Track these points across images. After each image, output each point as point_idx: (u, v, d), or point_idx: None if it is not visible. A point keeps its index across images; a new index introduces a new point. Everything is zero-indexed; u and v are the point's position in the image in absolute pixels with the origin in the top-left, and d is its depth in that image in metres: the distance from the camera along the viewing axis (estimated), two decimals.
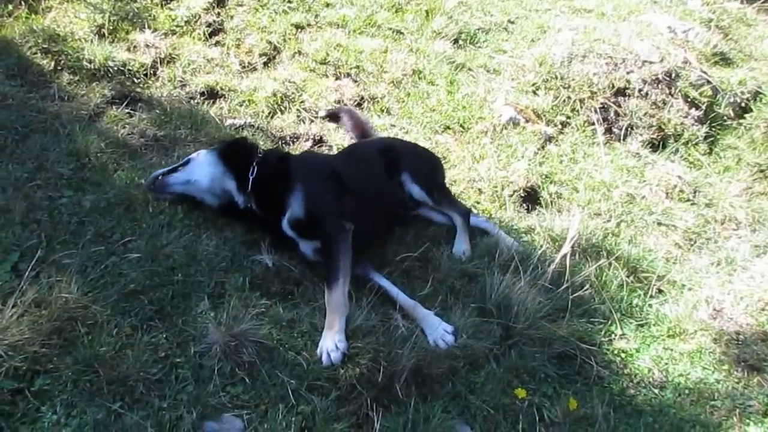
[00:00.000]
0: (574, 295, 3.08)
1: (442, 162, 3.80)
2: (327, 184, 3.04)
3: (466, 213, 3.49)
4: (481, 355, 2.75)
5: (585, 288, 3.14)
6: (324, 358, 2.52)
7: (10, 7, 3.74)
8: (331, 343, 2.53)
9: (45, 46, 3.61)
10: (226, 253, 2.86)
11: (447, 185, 3.67)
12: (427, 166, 3.58)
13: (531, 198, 3.94)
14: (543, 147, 4.36)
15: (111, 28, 3.90)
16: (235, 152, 3.10)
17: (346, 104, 4.10)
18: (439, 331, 2.75)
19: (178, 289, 2.62)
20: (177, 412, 2.21)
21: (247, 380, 2.36)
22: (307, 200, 2.88)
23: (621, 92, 4.76)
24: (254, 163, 3.00)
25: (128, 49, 3.87)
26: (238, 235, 2.98)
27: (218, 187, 3.04)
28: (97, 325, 2.37)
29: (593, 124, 4.64)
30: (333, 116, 4.05)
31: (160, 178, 3.05)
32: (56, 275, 2.45)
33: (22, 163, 2.98)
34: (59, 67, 3.56)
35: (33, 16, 3.78)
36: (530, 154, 4.24)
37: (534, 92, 4.78)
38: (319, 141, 3.80)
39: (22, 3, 3.80)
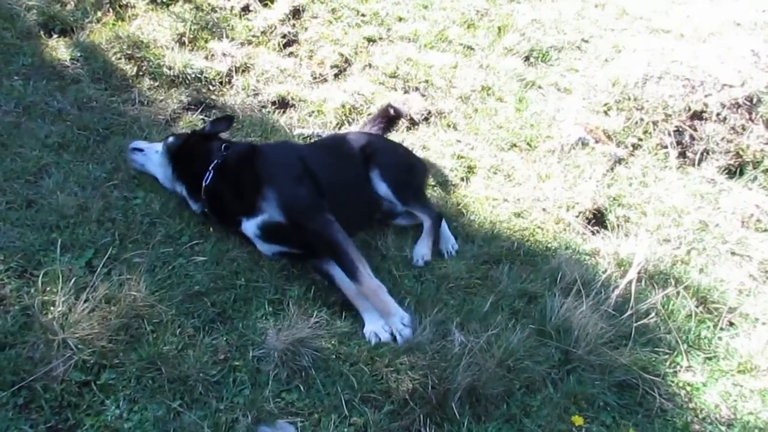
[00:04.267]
0: (639, 323, 2.96)
1: (424, 166, 3.71)
2: (300, 182, 2.91)
3: (436, 217, 3.38)
4: (538, 379, 2.68)
5: (650, 316, 3.01)
6: (399, 338, 2.67)
7: (99, 13, 3.95)
8: (397, 323, 2.67)
9: (129, 52, 3.79)
10: (286, 261, 2.91)
11: (424, 190, 3.59)
12: (401, 165, 3.45)
13: (597, 220, 3.84)
14: (612, 169, 4.25)
15: (191, 36, 4.06)
16: (188, 154, 2.98)
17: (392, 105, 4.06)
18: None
19: (240, 293, 2.69)
20: (233, 415, 2.25)
21: (302, 388, 2.39)
22: (283, 205, 2.78)
23: (697, 116, 4.58)
24: (211, 168, 2.88)
25: (206, 58, 4.01)
26: None
27: (171, 187, 3.07)
28: (162, 324, 2.45)
29: (666, 147, 4.48)
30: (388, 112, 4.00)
31: (133, 150, 3.15)
32: (127, 273, 2.54)
33: (102, 164, 3.13)
34: (141, 73, 3.73)
35: (119, 23, 3.98)
36: (598, 175, 4.13)
37: (605, 113, 4.67)
38: None
39: (110, 10, 4.01)
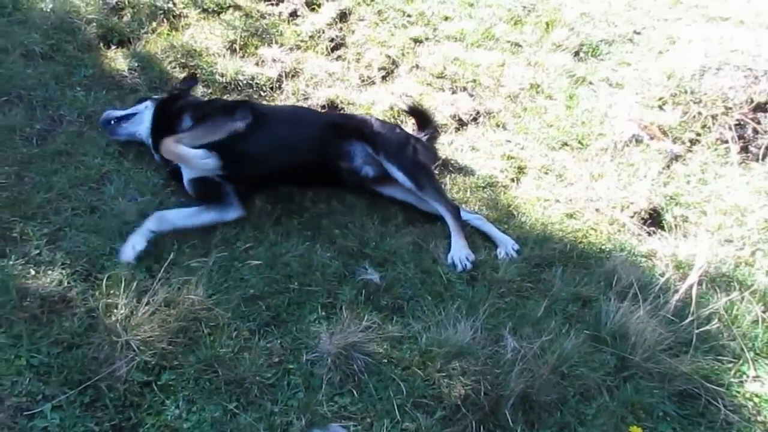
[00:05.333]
0: (700, 329, 2.87)
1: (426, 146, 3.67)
2: (216, 111, 3.16)
3: (455, 209, 3.33)
4: (593, 386, 2.64)
5: (713, 322, 2.92)
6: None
7: (154, 24, 4.07)
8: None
9: (183, 60, 3.89)
10: (338, 265, 2.94)
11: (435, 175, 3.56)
12: (406, 147, 3.42)
13: (653, 220, 3.74)
14: (668, 166, 4.13)
15: (242, 43, 4.13)
16: (168, 109, 3.25)
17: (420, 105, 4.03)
18: None
19: (293, 297, 2.73)
20: (287, 418, 2.29)
21: (354, 392, 2.41)
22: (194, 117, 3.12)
23: (761, 107, 4.39)
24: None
25: (256, 64, 4.08)
26: (350, 246, 3.06)
27: (147, 142, 3.28)
28: (218, 326, 2.51)
29: (727, 142, 4.32)
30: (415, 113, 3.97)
31: (113, 122, 3.26)
32: (185, 277, 2.62)
33: (159, 170, 3.23)
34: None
35: (173, 32, 4.09)
36: (654, 173, 4.02)
37: (660, 107, 4.53)
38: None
39: (164, 21, 4.12)
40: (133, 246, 2.68)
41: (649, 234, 3.66)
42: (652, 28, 5.34)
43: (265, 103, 3.85)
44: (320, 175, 3.32)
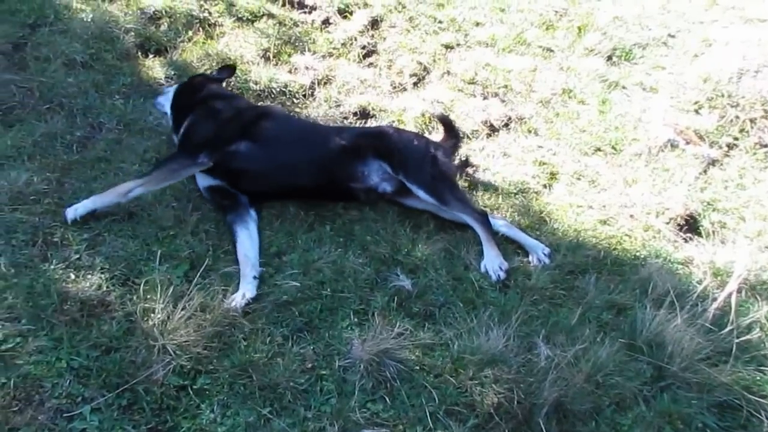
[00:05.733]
0: (741, 338, 2.80)
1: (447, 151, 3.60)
2: (217, 119, 3.23)
3: (483, 216, 3.27)
4: (629, 396, 2.60)
5: (754, 331, 2.85)
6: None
7: (190, 33, 4.14)
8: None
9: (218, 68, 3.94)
10: (370, 271, 2.95)
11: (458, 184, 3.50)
12: (425, 160, 3.35)
13: (690, 227, 3.67)
14: (705, 171, 4.06)
15: (275, 51, 4.18)
16: (185, 97, 3.43)
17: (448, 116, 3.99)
18: None
19: (326, 303, 2.74)
20: (320, 424, 2.30)
21: (387, 399, 2.41)
22: (183, 132, 3.23)
23: None
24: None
25: (289, 71, 4.12)
26: (382, 252, 3.06)
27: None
28: (252, 332, 2.54)
29: (766, 145, 4.24)
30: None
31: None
32: (220, 283, 2.66)
33: (195, 177, 3.28)
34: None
35: (208, 41, 4.16)
36: (690, 178, 3.96)
37: (696, 111, 4.46)
38: (465, 163, 3.80)
39: (200, 29, 4.19)
40: (245, 294, 2.69)
41: (685, 240, 3.59)
42: (687, 31, 5.26)
43: (296, 110, 3.89)
44: (332, 194, 3.31)
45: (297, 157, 3.20)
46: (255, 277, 2.78)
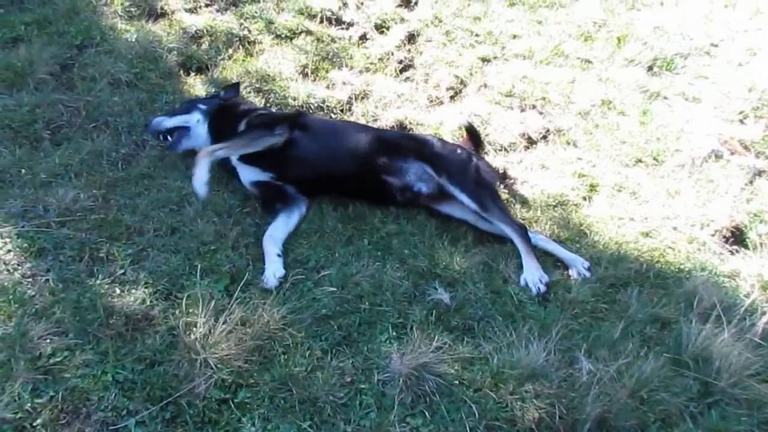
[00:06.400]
0: None
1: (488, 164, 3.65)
2: (273, 115, 3.49)
3: (521, 228, 3.27)
4: (674, 412, 2.53)
5: None
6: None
7: (230, 51, 4.23)
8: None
9: (257, 85, 4.02)
10: (408, 284, 2.94)
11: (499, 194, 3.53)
12: (468, 167, 3.43)
13: (736, 239, 3.58)
14: (751, 182, 3.95)
15: (313, 67, 4.24)
16: (223, 119, 3.46)
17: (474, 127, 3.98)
18: None
19: (364, 317, 2.75)
20: None
21: (426, 413, 2.39)
22: (249, 122, 3.36)
23: None
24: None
25: (327, 87, 4.17)
26: (420, 266, 3.06)
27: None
28: (292, 346, 2.56)
29: None
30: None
31: (169, 137, 3.42)
32: (259, 297, 2.69)
33: (235, 192, 3.34)
34: (268, 104, 3.94)
35: (248, 58, 4.24)
36: (735, 189, 3.86)
37: (741, 121, 4.37)
38: (503, 176, 3.78)
39: (240, 47, 4.28)
40: (274, 274, 2.84)
41: (731, 253, 3.50)
42: (730, 40, 5.16)
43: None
44: (369, 188, 3.37)
45: (341, 145, 3.37)
46: (279, 255, 2.94)
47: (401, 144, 3.43)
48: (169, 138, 3.44)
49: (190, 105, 3.58)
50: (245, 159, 3.30)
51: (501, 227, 3.26)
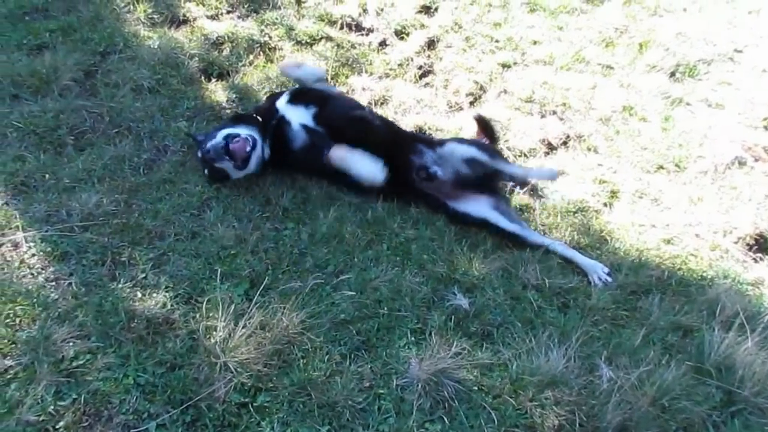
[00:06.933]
0: None
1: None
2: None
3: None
4: (697, 421, 2.50)
5: None
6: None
7: (251, 57, 4.27)
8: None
9: (277, 91, 4.04)
10: (427, 290, 2.94)
11: None
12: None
13: (760, 246, 3.54)
14: None
15: (333, 73, 4.26)
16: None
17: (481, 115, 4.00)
18: None
19: (383, 322, 2.74)
20: None
21: (445, 419, 2.39)
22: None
23: None
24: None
25: (347, 92, 4.19)
26: (439, 271, 3.05)
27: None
28: (311, 350, 2.56)
29: None
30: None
31: (235, 164, 3.33)
32: (279, 301, 2.71)
33: (255, 197, 3.36)
34: None
35: (269, 64, 4.26)
36: (759, 196, 3.82)
37: (765, 128, 4.32)
38: (522, 182, 3.77)
39: (261, 53, 4.32)
40: None
41: (755, 261, 3.46)
42: (754, 46, 5.10)
43: None
44: (396, 158, 3.46)
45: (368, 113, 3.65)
46: None
47: (422, 137, 3.72)
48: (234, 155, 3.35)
49: (225, 127, 3.49)
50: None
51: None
